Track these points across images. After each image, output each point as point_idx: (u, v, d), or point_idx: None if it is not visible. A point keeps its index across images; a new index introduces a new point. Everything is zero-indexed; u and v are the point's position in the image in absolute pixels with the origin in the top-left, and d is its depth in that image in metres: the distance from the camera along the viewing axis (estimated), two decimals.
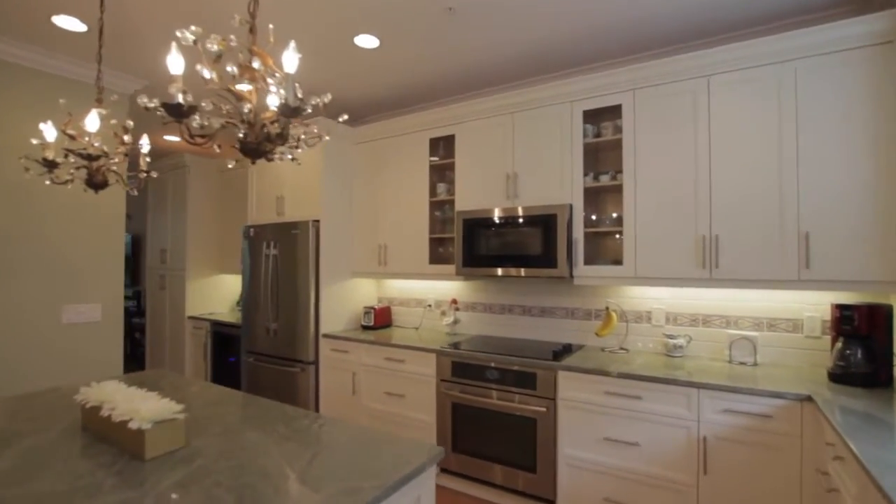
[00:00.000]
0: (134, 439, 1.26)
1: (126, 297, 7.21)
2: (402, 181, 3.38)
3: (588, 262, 2.68)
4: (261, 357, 3.65)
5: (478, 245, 2.90)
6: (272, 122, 1.15)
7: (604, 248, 2.84)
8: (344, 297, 3.59)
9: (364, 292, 3.79)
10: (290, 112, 1.05)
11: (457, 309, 3.35)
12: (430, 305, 3.60)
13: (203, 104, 1.10)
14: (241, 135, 1.13)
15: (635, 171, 2.48)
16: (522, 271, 2.72)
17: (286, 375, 3.47)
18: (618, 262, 2.62)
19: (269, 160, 1.25)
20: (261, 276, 3.69)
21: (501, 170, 2.91)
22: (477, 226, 2.90)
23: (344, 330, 3.54)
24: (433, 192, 3.29)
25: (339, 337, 3.30)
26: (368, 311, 3.60)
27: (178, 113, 1.04)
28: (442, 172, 3.38)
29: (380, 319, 3.61)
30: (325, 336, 3.37)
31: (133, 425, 1.23)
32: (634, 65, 2.46)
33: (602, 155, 2.84)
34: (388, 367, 3.04)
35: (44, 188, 2.79)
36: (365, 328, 3.60)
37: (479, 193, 3.00)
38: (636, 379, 2.17)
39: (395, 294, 3.82)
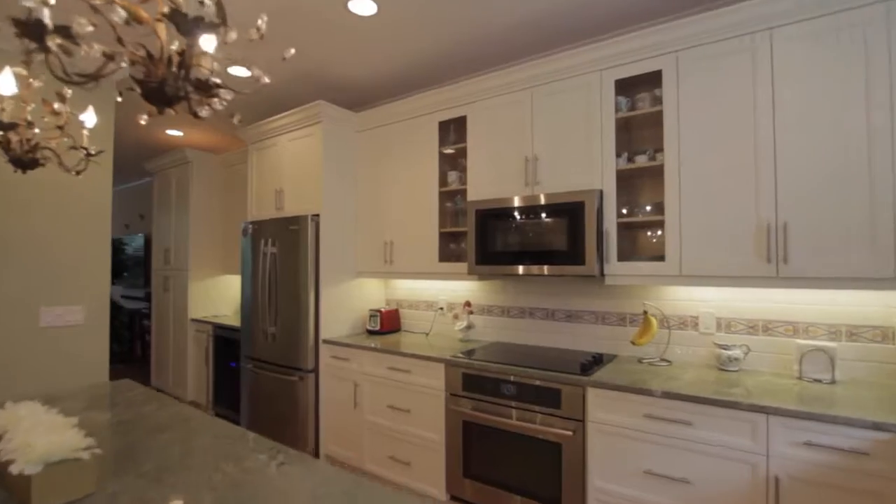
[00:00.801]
0: (21, 485, 0.95)
1: (139, 299, 7.13)
2: (409, 170, 3.05)
3: (622, 257, 2.28)
4: (259, 363, 3.37)
5: (493, 240, 2.53)
6: (179, 54, 0.82)
7: (641, 241, 2.43)
8: (348, 299, 3.28)
9: (370, 294, 3.47)
10: (187, 25, 0.72)
11: (471, 312, 2.99)
12: (441, 308, 3.25)
13: (83, 25, 0.78)
14: (139, 72, 0.80)
15: (679, 148, 2.07)
16: (545, 269, 2.34)
17: (284, 384, 3.17)
18: (658, 257, 2.21)
19: (195, 115, 0.92)
20: (259, 276, 3.41)
21: (519, 153, 2.54)
22: (492, 218, 2.53)
23: (348, 335, 3.22)
24: (443, 181, 2.94)
25: (339, 343, 2.98)
26: (374, 314, 3.28)
27: (37, 35, 0.72)
28: (453, 159, 3.03)
29: (387, 324, 3.28)
30: (326, 342, 3.06)
31: (14, 469, 0.92)
32: (677, 21, 2.05)
33: (638, 132, 2.44)
34: (391, 378, 2.70)
35: (16, 177, 2.57)
36: (371, 333, 3.28)
37: (494, 181, 2.64)
38: (685, 400, 1.76)
39: (405, 296, 3.49)
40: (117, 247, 7.47)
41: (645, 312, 2.32)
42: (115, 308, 7.29)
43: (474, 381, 2.34)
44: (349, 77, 3.18)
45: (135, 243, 7.00)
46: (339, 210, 3.22)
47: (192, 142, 4.73)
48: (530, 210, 2.40)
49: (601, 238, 2.23)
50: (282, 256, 3.22)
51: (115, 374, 5.86)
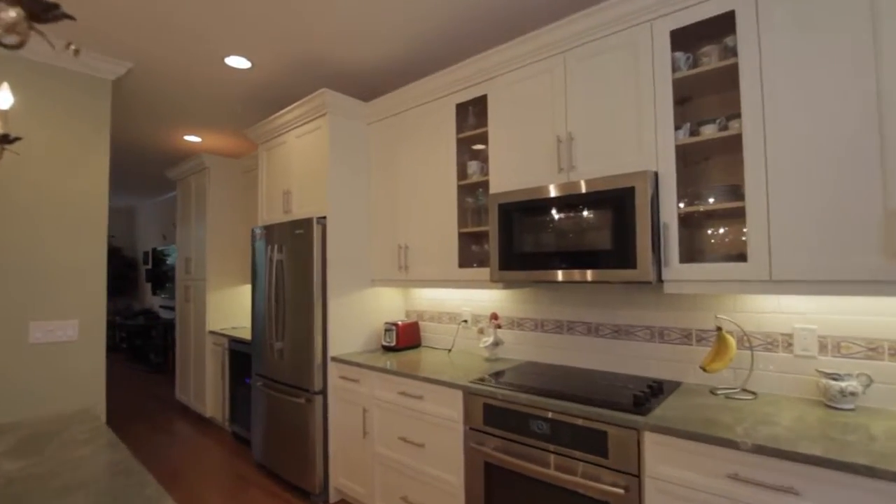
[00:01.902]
0: None
1: (169, 309, 7.14)
2: (425, 163, 2.66)
3: (686, 258, 1.78)
4: (268, 382, 3.08)
5: (521, 239, 2.08)
6: None
7: (711, 236, 1.91)
8: (362, 311, 2.92)
9: (389, 305, 3.10)
10: None
11: (498, 326, 2.54)
12: (465, 321, 2.82)
13: None
14: None
15: (764, 111, 1.55)
16: (588, 274, 1.87)
17: (292, 407, 2.85)
18: (736, 257, 1.69)
19: None
20: (266, 285, 3.13)
21: (550, 132, 2.09)
22: (519, 213, 2.09)
23: (360, 352, 2.86)
24: (462, 173, 2.53)
25: (347, 361, 2.62)
26: (390, 328, 2.90)
27: None
28: (473, 147, 2.62)
29: (404, 338, 2.89)
30: (335, 360, 2.71)
31: None
32: None
33: (702, 97, 1.92)
34: (403, 405, 2.30)
35: (14, 178, 2.40)
36: (386, 349, 2.90)
37: (520, 168, 2.19)
38: (788, 459, 1.24)
39: (425, 306, 3.09)
40: (158, 258, 7.57)
41: (719, 329, 1.80)
42: (154, 318, 7.37)
43: (498, 414, 1.89)
44: (357, 62, 2.83)
45: (175, 254, 7.05)
46: (348, 211, 2.88)
47: (210, 147, 4.58)
48: (566, 201, 1.94)
49: (657, 233, 1.74)
50: (289, 264, 2.91)
51: (150, 385, 5.88)
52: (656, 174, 1.76)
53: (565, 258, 1.94)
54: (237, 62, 2.79)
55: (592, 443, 1.62)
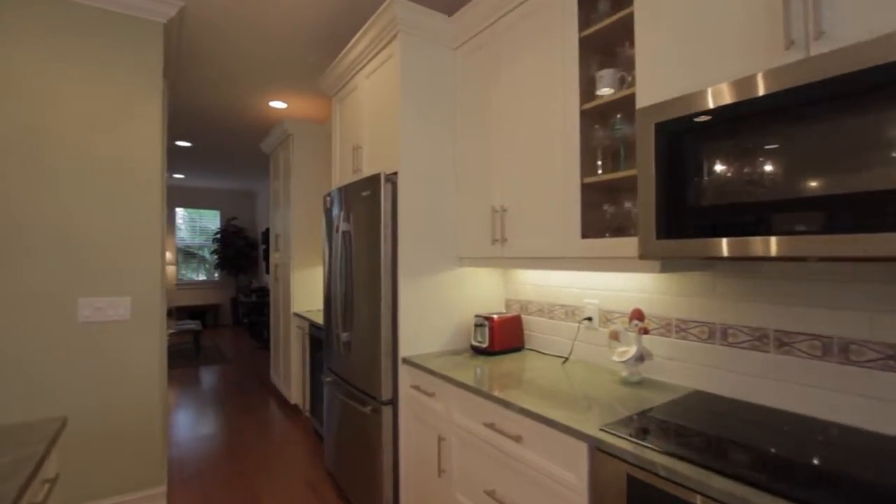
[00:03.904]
0: None
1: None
2: (529, 90, 1.81)
3: None
4: (337, 380, 2.54)
5: (701, 184, 1.16)
6: None
7: None
8: (444, 298, 2.20)
9: (483, 290, 2.34)
10: None
11: (644, 331, 1.63)
12: (588, 319, 1.94)
13: None
14: None
15: None
16: (863, 244, 0.89)
17: (357, 415, 2.26)
18: None
19: None
20: (332, 262, 2.58)
21: None
22: (698, 134, 1.16)
23: (441, 352, 2.15)
24: (588, 92, 1.64)
25: (419, 366, 1.93)
26: (481, 323, 2.14)
27: None
28: (605, 48, 1.70)
29: (501, 338, 2.11)
30: (405, 362, 2.04)
31: None
32: None
33: None
34: (492, 443, 1.53)
35: (47, 148, 2.13)
36: (476, 352, 2.16)
37: (695, 58, 1.24)
38: None
39: (530, 295, 2.26)
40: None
41: None
42: (266, 296, 7.59)
43: (654, 496, 1.03)
44: None
45: None
46: (426, 164, 2.16)
47: (296, 113, 4.22)
48: (812, 95, 0.96)
49: None
50: (356, 235, 2.30)
51: (256, 361, 5.97)
52: None
53: (805, 213, 0.97)
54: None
55: None
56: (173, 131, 4.84)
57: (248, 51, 2.98)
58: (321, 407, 3.23)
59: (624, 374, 1.68)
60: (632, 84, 1.52)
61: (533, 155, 1.79)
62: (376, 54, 2.30)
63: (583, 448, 1.20)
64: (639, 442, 1.10)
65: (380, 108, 2.28)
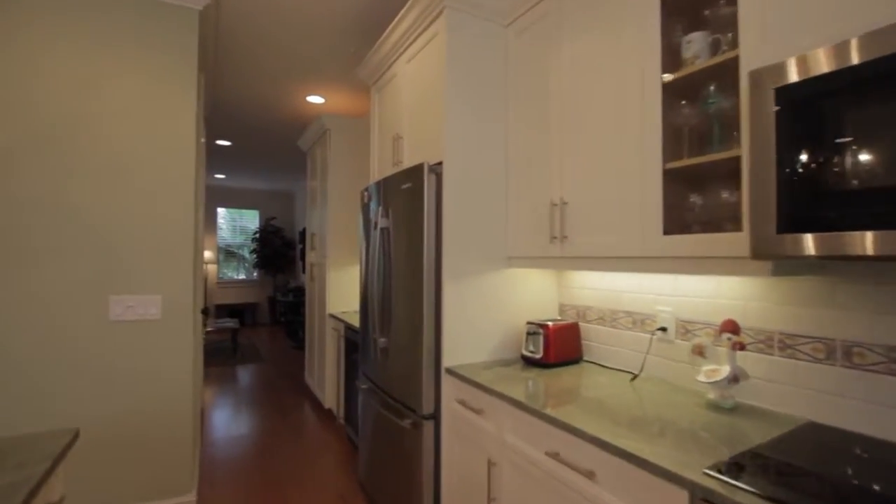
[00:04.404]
0: None
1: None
2: (596, 64, 1.57)
3: None
4: (373, 387, 2.37)
5: (838, 165, 0.89)
6: None
7: None
8: (492, 302, 1.98)
9: (533, 293, 2.10)
10: None
11: (740, 347, 1.35)
12: (662, 330, 1.67)
13: None
14: None
15: None
16: None
17: (394, 429, 2.07)
18: None
19: None
20: (369, 261, 2.40)
21: None
22: (836, 101, 0.90)
23: (488, 362, 1.93)
24: (672, 60, 1.38)
25: (465, 378, 1.71)
26: (535, 331, 1.90)
27: None
28: (693, 8, 1.43)
29: (557, 349, 1.87)
30: (449, 372, 1.83)
31: None
32: None
33: None
34: (554, 475, 1.29)
35: (81, 142, 2.05)
36: (528, 362, 1.92)
37: (828, 4, 0.97)
38: None
39: (588, 299, 2.01)
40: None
41: None
42: (302, 295, 7.59)
43: None
44: None
45: None
46: (474, 153, 1.94)
47: (334, 108, 4.11)
48: None
49: None
50: (396, 232, 2.12)
51: (290, 362, 5.91)
52: None
53: None
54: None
55: None
56: (213, 130, 4.85)
57: (285, 44, 2.87)
58: (356, 414, 3.07)
59: (711, 396, 1.41)
60: (729, 47, 1.26)
61: (602, 140, 1.55)
62: (419, 35, 2.11)
63: (682, 497, 0.95)
64: (759, 493, 0.84)
65: (422, 94, 2.09)
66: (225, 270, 9.00)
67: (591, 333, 1.98)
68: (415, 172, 1.92)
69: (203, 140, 3.49)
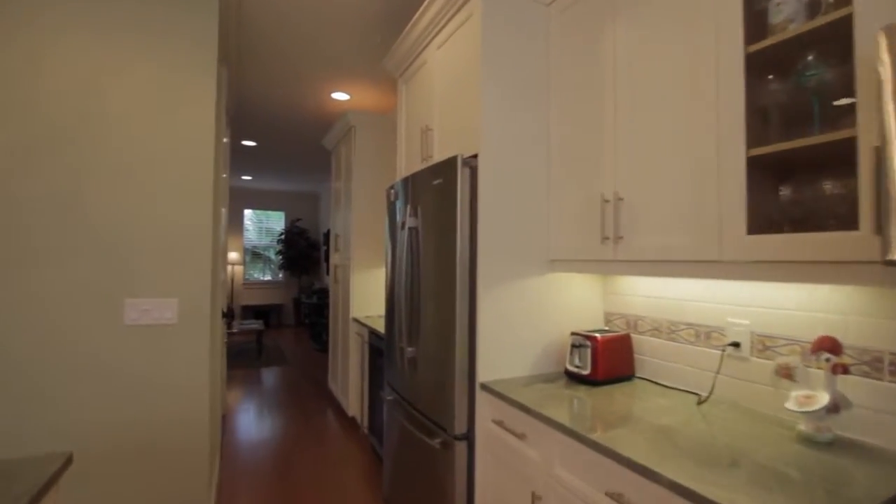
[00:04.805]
0: None
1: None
2: (663, 34, 1.36)
3: None
4: (399, 399, 2.20)
5: None
6: None
7: None
8: (532, 310, 1.78)
9: (577, 300, 1.90)
10: None
11: (843, 369, 1.12)
12: (734, 345, 1.44)
13: None
14: None
15: None
16: None
17: (422, 449, 1.89)
18: None
19: None
20: (395, 263, 2.24)
21: None
22: None
23: (528, 377, 1.73)
24: (757, 28, 1.16)
25: (504, 396, 1.52)
26: (581, 343, 1.70)
27: None
28: None
29: (607, 364, 1.66)
30: (484, 388, 1.64)
31: None
32: None
33: None
34: None
35: (94, 140, 1.96)
36: (573, 378, 1.72)
37: None
38: None
39: (640, 307, 1.79)
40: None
41: None
42: (326, 297, 7.52)
43: None
44: None
45: None
46: (512, 145, 1.75)
47: (359, 104, 3.98)
48: None
49: None
50: (424, 232, 1.95)
51: (313, 365, 5.79)
52: None
53: None
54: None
55: None
56: (239, 130, 4.80)
57: (309, 36, 2.74)
58: (380, 424, 2.91)
59: (802, 427, 1.18)
60: (834, 6, 1.03)
61: (668, 125, 1.34)
62: (450, 18, 1.93)
63: None
64: None
65: (454, 82, 1.91)
66: (251, 272, 9.04)
67: (644, 346, 1.76)
68: (447, 166, 1.74)
69: (227, 140, 3.41)
